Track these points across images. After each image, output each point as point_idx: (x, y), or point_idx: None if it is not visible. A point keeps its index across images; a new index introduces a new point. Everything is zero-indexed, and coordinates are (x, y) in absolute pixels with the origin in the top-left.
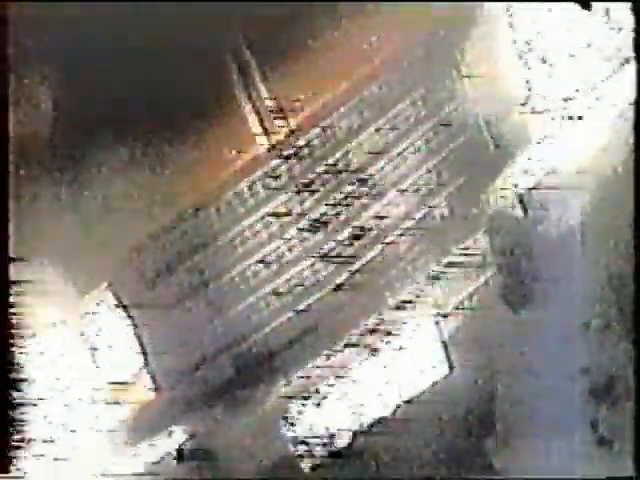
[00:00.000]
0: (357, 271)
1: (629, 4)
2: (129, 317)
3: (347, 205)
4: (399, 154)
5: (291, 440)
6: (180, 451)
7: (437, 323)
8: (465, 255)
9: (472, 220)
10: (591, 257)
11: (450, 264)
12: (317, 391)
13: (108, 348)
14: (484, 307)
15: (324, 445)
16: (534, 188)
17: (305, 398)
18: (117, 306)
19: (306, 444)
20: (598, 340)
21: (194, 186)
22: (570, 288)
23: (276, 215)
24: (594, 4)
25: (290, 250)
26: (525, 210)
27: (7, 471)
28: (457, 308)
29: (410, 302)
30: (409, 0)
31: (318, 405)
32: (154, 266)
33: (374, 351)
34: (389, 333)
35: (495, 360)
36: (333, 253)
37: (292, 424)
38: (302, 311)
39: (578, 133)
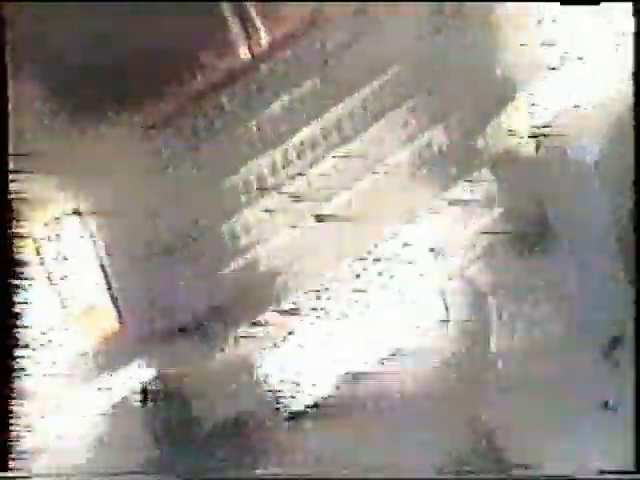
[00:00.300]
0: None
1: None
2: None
3: (339, 127)
4: (396, 73)
5: (271, 385)
6: (145, 391)
7: (435, 264)
8: (468, 192)
9: (477, 155)
10: (605, 200)
11: (452, 202)
12: (299, 332)
13: (70, 273)
14: (488, 250)
15: (305, 393)
16: (547, 125)
17: (285, 339)
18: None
19: (287, 392)
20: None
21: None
22: (582, 233)
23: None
24: None
25: (273, 173)
26: (537, 148)
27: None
28: (458, 250)
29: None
30: (408, 0)
31: (301, 346)
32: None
33: (361, 292)
34: (380, 274)
35: (494, 309)
36: (319, 182)
37: (268, 368)
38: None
39: (594, 68)
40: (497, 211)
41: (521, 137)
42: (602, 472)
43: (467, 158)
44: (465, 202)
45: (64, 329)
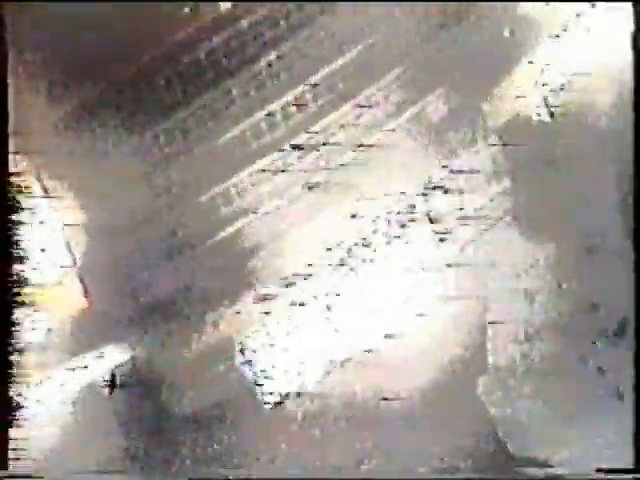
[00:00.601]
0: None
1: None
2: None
3: (330, 86)
4: (393, 27)
5: (252, 373)
6: (113, 377)
7: (440, 241)
8: (473, 162)
9: (482, 120)
10: (619, 170)
11: (455, 171)
12: (288, 315)
13: (34, 245)
14: (492, 226)
15: (291, 382)
16: (560, 89)
17: (270, 320)
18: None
19: (269, 379)
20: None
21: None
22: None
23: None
24: None
25: (257, 137)
26: (551, 113)
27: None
28: (461, 224)
29: (407, 220)
30: (408, 0)
31: (287, 334)
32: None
33: (351, 270)
34: (372, 247)
35: (494, 287)
36: (309, 142)
37: (252, 353)
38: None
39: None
40: (505, 183)
41: (533, 102)
42: (599, 470)
43: (473, 124)
44: (470, 172)
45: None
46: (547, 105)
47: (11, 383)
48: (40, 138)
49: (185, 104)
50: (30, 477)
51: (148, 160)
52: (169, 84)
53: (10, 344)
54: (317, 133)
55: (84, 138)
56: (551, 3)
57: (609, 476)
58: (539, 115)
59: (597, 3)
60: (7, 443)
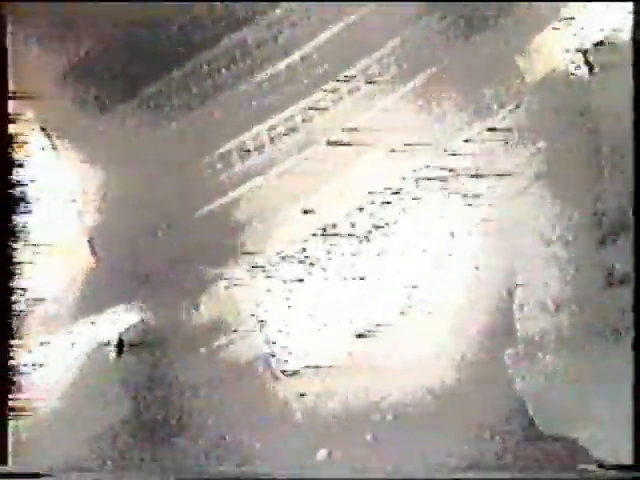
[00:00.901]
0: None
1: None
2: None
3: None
4: None
5: (264, 340)
6: (120, 341)
7: (468, 205)
8: (504, 119)
9: (516, 76)
10: None
11: (486, 130)
12: (301, 276)
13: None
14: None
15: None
16: (599, 44)
17: (285, 280)
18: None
19: (282, 347)
20: None
21: None
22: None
23: None
24: None
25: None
26: (591, 68)
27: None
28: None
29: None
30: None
31: (305, 301)
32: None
33: (366, 238)
34: (403, 210)
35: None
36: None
37: (263, 319)
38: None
39: None
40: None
41: (570, 57)
42: (601, 466)
43: (507, 79)
44: (504, 130)
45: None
46: (586, 61)
47: (14, 347)
48: (41, 87)
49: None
50: (30, 476)
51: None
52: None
53: (13, 303)
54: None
55: (90, 90)
56: None
57: (609, 473)
58: (577, 70)
59: None
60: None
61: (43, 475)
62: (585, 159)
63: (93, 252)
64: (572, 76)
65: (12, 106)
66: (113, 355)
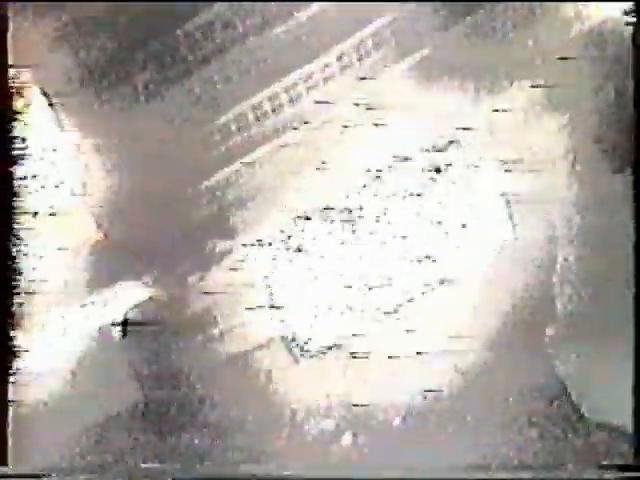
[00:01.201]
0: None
1: None
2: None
3: None
4: None
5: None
6: (125, 321)
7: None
8: (536, 87)
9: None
10: None
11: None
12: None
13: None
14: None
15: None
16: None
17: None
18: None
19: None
20: None
21: None
22: None
23: None
24: None
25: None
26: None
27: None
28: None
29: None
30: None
31: (315, 279)
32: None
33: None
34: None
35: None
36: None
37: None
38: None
39: None
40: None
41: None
42: (601, 467)
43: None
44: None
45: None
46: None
47: (14, 326)
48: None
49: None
50: (30, 477)
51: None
52: None
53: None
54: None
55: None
56: None
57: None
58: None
59: None
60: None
61: (43, 476)
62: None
63: (98, 224)
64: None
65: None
66: (118, 335)
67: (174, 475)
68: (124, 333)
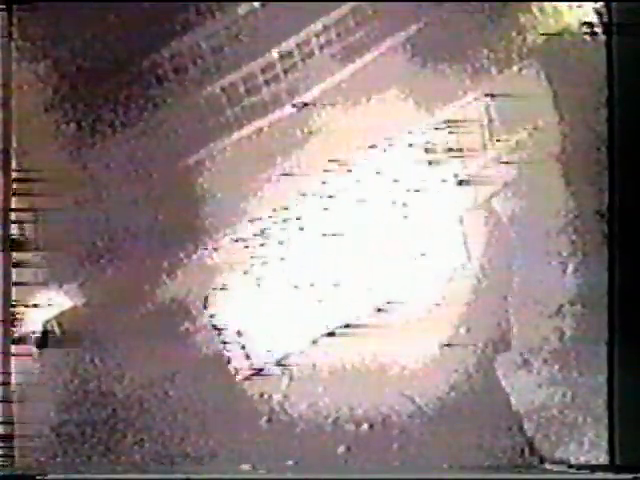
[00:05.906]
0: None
1: None
2: None
3: None
4: None
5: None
6: (45, 332)
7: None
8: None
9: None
10: None
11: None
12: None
13: None
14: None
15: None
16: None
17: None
18: None
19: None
20: None
21: None
22: None
23: None
24: None
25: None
26: (607, 26)
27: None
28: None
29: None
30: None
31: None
32: None
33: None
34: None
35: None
36: None
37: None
38: None
39: None
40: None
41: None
42: (571, 466)
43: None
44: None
45: None
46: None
47: None
48: None
49: None
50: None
51: None
52: None
53: None
54: None
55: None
56: None
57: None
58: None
59: None
60: None
61: (41, 476)
62: None
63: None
64: (581, 36)
65: None
66: (35, 349)
67: None
68: (43, 345)
